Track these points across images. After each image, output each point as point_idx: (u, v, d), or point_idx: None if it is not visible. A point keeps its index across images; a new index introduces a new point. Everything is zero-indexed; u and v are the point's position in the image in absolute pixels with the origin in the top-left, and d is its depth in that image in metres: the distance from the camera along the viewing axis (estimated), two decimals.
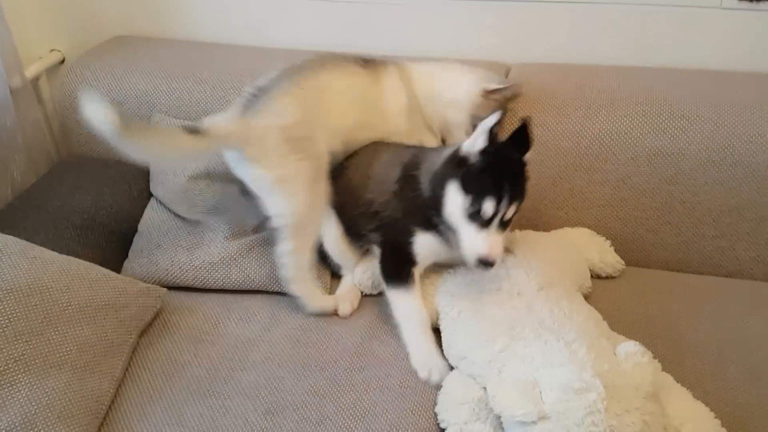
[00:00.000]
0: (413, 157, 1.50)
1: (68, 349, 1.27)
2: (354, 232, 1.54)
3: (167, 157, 1.57)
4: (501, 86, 1.56)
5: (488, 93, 1.56)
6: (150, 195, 1.74)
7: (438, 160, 1.43)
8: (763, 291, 1.57)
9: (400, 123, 1.61)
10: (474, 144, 1.34)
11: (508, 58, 1.89)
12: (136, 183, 1.78)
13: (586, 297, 1.52)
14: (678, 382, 1.29)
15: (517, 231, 1.61)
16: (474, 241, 1.33)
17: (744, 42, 1.76)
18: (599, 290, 1.57)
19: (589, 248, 1.63)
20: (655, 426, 1.12)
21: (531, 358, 1.22)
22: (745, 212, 1.61)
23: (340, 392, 1.32)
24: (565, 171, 1.69)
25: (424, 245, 1.44)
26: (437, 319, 1.45)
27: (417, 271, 1.45)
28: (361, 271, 1.57)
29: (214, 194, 1.67)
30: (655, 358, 1.26)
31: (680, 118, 1.61)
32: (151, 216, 1.69)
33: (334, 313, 1.52)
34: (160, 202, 1.71)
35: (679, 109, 1.62)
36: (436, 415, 1.29)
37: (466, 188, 1.33)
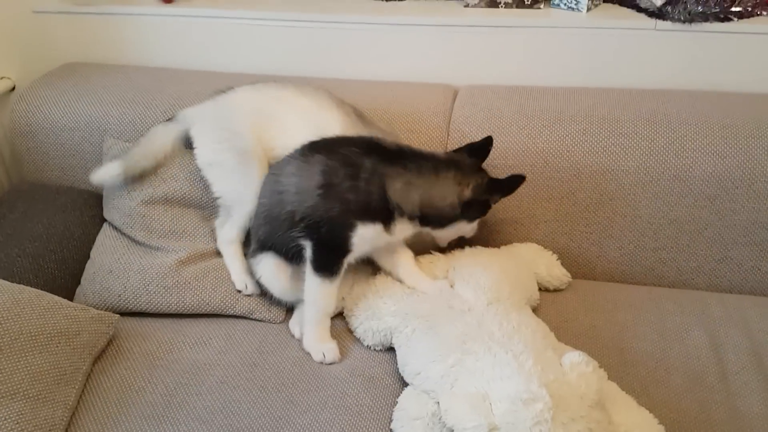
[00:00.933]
0: (327, 166, 1.48)
1: (20, 378, 1.26)
2: (280, 248, 1.54)
3: (159, 154, 1.68)
4: None
5: None
6: (103, 220, 1.73)
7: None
8: (704, 300, 1.63)
9: None
10: None
11: (456, 80, 1.94)
12: (89, 209, 1.78)
13: (535, 310, 1.56)
14: (623, 390, 1.33)
15: (467, 248, 1.65)
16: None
17: (677, 61, 1.84)
18: (547, 303, 1.61)
19: (536, 262, 1.67)
20: None
21: (481, 371, 1.25)
22: (684, 225, 1.67)
23: (297, 414, 1.33)
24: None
25: (364, 236, 1.46)
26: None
27: (347, 261, 1.49)
28: None
29: (172, 218, 1.68)
30: (601, 367, 1.30)
31: (619, 135, 1.67)
32: (104, 241, 1.68)
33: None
34: (114, 227, 1.70)
35: (619, 128, 1.68)
36: (392, 431, 1.30)
37: None
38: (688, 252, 1.69)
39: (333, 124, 1.59)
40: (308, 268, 1.48)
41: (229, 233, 1.63)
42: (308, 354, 1.48)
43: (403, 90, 1.91)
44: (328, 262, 1.47)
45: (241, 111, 1.63)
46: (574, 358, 1.24)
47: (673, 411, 1.32)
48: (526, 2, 1.92)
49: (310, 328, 1.49)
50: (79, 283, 1.64)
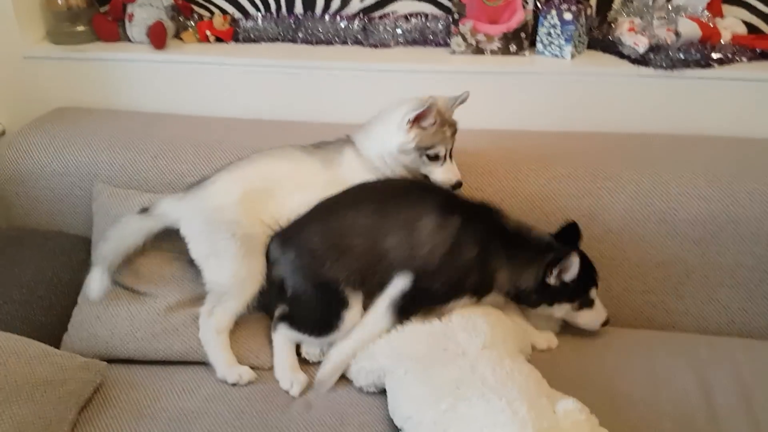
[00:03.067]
0: (460, 236, 1.52)
1: (5, 428, 1.24)
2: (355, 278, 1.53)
3: (131, 251, 1.64)
4: (421, 110, 1.56)
5: (415, 122, 1.58)
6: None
7: None
8: (693, 342, 1.63)
9: None
10: None
11: None
12: (77, 254, 1.77)
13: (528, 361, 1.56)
14: None
15: None
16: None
17: (660, 106, 1.88)
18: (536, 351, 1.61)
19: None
20: None
21: (474, 418, 1.25)
22: (671, 267, 1.69)
23: None
24: None
25: (457, 305, 1.54)
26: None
27: None
28: None
29: (160, 263, 1.67)
30: (592, 412, 1.30)
31: (605, 179, 1.70)
32: None
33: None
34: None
35: (604, 171, 1.71)
36: None
37: None
38: (676, 294, 1.70)
39: (316, 175, 1.62)
40: (384, 301, 1.50)
41: (222, 321, 1.55)
42: (304, 396, 1.49)
43: None
44: (409, 310, 1.50)
45: (229, 199, 1.59)
46: (568, 405, 1.24)
47: None
48: (511, 50, 1.96)
49: (345, 355, 1.51)
50: (65, 329, 1.63)
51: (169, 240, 1.67)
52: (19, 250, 1.74)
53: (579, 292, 1.57)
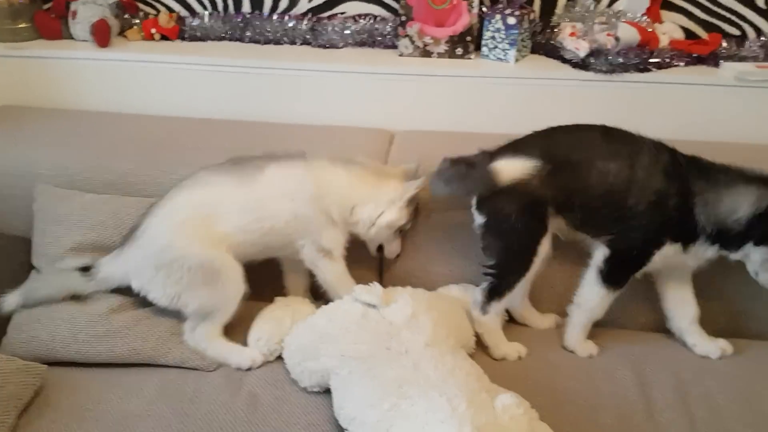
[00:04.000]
0: (670, 174, 1.52)
1: None
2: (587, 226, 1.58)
3: (64, 296, 1.60)
4: (420, 186, 1.63)
5: (411, 199, 1.63)
6: (32, 267, 1.69)
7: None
8: (631, 339, 1.68)
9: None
10: None
11: (392, 125, 1.99)
12: (17, 255, 1.74)
13: (471, 355, 1.58)
14: (555, 429, 1.34)
15: (409, 288, 1.67)
16: None
17: (600, 110, 1.87)
18: (481, 345, 1.64)
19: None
20: None
21: (416, 416, 1.25)
22: None
23: None
24: (449, 229, 1.77)
25: (666, 254, 1.53)
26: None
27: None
28: (255, 339, 1.59)
29: None
30: (533, 407, 1.33)
31: None
32: None
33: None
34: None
35: None
36: None
37: None
38: None
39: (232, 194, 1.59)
40: (594, 276, 1.56)
41: (213, 331, 1.56)
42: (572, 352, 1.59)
43: (341, 134, 1.94)
44: (621, 276, 1.54)
45: (166, 239, 1.55)
46: (506, 400, 1.26)
47: None
48: (457, 53, 2.00)
49: (578, 331, 1.61)
50: (4, 332, 1.59)
51: (110, 243, 1.65)
52: None
53: None
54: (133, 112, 2.05)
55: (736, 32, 2.01)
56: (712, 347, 1.62)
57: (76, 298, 1.60)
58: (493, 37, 1.96)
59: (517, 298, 1.68)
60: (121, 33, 2.14)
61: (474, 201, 1.64)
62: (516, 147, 1.61)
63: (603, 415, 1.45)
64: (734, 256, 1.53)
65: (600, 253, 1.58)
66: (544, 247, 1.59)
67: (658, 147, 1.56)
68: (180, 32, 2.12)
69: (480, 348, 1.63)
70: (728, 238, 1.49)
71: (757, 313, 1.72)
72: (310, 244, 1.61)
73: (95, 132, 1.89)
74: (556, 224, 1.61)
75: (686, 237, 1.52)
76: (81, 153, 1.81)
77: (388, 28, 2.06)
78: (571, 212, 1.58)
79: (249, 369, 1.54)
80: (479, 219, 1.62)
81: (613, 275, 1.57)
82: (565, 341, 1.64)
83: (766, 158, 1.78)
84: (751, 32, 2.00)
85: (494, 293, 1.62)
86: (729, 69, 1.90)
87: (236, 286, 1.56)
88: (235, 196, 1.58)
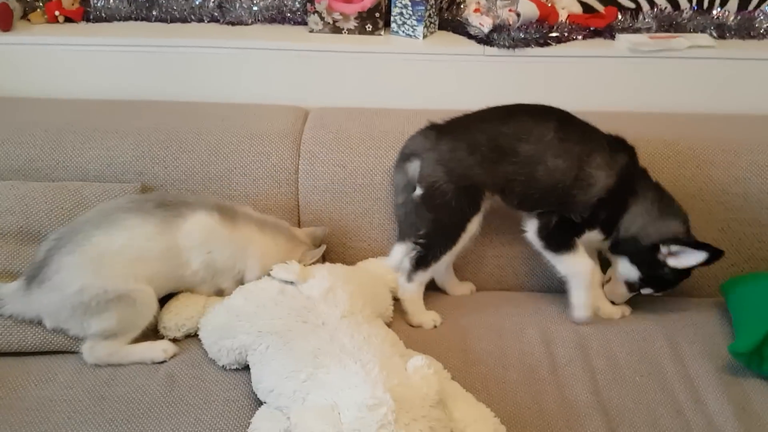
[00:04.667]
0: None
1: None
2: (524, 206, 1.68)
3: None
4: (317, 256, 1.68)
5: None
6: None
7: None
8: (538, 300, 1.77)
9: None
10: None
11: (306, 102, 2.01)
12: None
13: (389, 324, 1.63)
14: (466, 388, 1.42)
15: (327, 263, 1.70)
16: None
17: (505, 84, 2.01)
18: (399, 313, 1.69)
19: (388, 276, 1.75)
20: (440, 430, 1.23)
21: (331, 383, 1.29)
22: (517, 233, 1.77)
23: None
24: (364, 205, 1.81)
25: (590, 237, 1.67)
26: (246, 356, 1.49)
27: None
28: (174, 325, 1.59)
29: (7, 256, 1.61)
30: (446, 368, 1.40)
31: None
32: None
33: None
34: None
35: None
36: None
37: None
38: (522, 258, 1.82)
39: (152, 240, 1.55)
40: (538, 246, 1.67)
41: (118, 345, 1.52)
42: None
43: (254, 112, 1.94)
44: (561, 239, 1.65)
45: (85, 280, 1.48)
46: (417, 362, 1.31)
47: (510, 404, 1.43)
48: (367, 29, 2.02)
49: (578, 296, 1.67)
50: None
51: (16, 229, 1.62)
52: None
53: (672, 282, 1.64)
54: (37, 96, 1.99)
55: (632, 5, 2.09)
56: (615, 310, 1.72)
57: None
58: (401, 14, 1.99)
59: (441, 270, 1.74)
60: (24, 16, 2.07)
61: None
62: (464, 126, 1.67)
63: (510, 372, 1.53)
64: (613, 253, 1.69)
65: (533, 224, 1.67)
66: (474, 225, 1.66)
67: (615, 146, 1.64)
68: (85, 13, 2.06)
69: (399, 314, 1.69)
70: (624, 244, 1.64)
71: None
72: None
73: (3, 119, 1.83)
74: (490, 203, 1.68)
75: (609, 230, 1.65)
76: None
77: (297, 4, 2.06)
78: (509, 195, 1.66)
79: (164, 361, 1.53)
80: (418, 190, 1.67)
81: (552, 240, 1.66)
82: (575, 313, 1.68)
83: (658, 125, 1.91)
84: (645, 4, 2.09)
85: (420, 263, 1.68)
86: (624, 41, 1.99)
87: (151, 312, 1.55)
88: (156, 242, 1.54)
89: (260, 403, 1.41)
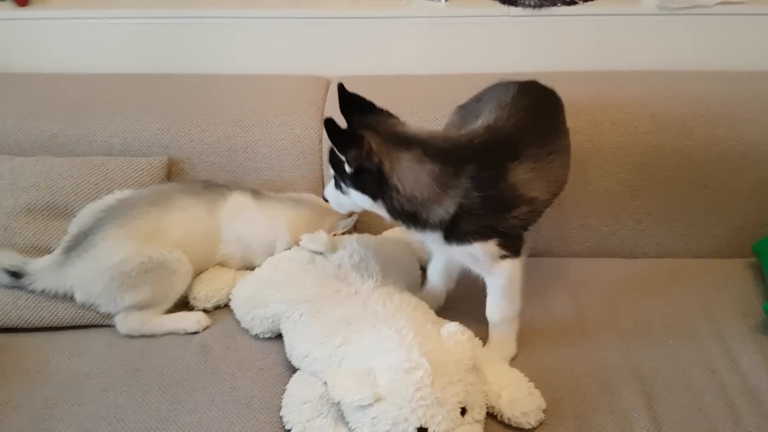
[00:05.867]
0: None
1: None
2: None
3: None
4: (347, 226, 1.70)
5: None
6: None
7: None
8: (565, 265, 1.75)
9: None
10: None
11: (328, 71, 1.98)
12: None
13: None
14: None
15: (355, 234, 1.70)
16: None
17: (530, 45, 1.97)
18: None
19: (415, 246, 1.74)
20: (475, 395, 1.25)
21: (366, 348, 1.30)
22: None
23: (184, 413, 1.33)
24: None
25: None
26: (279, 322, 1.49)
27: None
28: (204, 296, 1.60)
29: (35, 231, 1.62)
30: (476, 336, 1.39)
31: None
32: None
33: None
34: None
35: None
36: (281, 418, 1.32)
37: None
38: (550, 222, 1.77)
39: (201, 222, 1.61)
40: None
41: (150, 315, 1.53)
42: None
43: (276, 82, 1.93)
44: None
45: (129, 251, 1.51)
46: (451, 328, 1.31)
47: (538, 368, 1.41)
48: None
49: None
50: None
51: (43, 205, 1.63)
52: None
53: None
54: (55, 72, 1.99)
55: None
56: None
57: None
58: None
59: None
60: None
61: None
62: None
63: (538, 337, 1.52)
64: None
65: None
66: None
67: None
68: None
69: None
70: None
71: None
72: None
73: (20, 93, 1.83)
74: None
75: None
76: (5, 116, 1.75)
77: None
78: None
79: (196, 332, 1.53)
80: None
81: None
82: None
83: (685, 84, 1.87)
84: None
85: None
86: None
87: (185, 284, 1.57)
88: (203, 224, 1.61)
89: (294, 370, 1.42)
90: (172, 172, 1.75)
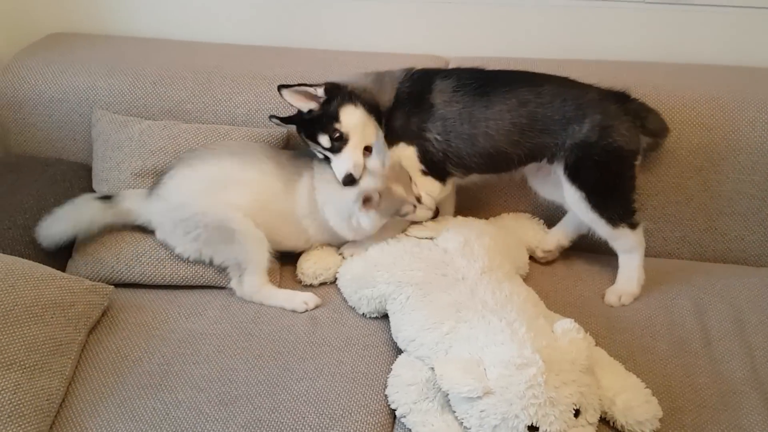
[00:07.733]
0: None
1: (16, 348, 1.27)
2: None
3: (85, 228, 1.59)
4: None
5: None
6: (93, 192, 1.72)
7: None
8: (689, 269, 1.67)
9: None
10: None
11: (446, 52, 1.95)
12: (78, 181, 1.77)
13: (525, 279, 1.59)
14: (611, 356, 1.36)
15: (459, 217, 1.67)
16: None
17: (652, 35, 1.89)
18: (537, 273, 1.65)
19: (526, 231, 1.70)
20: (590, 397, 1.20)
21: (475, 338, 1.28)
22: (671, 195, 1.70)
23: (293, 381, 1.35)
24: None
25: None
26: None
27: None
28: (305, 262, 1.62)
29: None
30: (588, 334, 1.34)
31: None
32: None
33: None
34: None
35: None
36: (386, 397, 1.33)
37: None
38: (674, 222, 1.72)
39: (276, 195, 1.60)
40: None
41: (254, 282, 1.55)
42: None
43: (395, 62, 1.89)
44: None
45: (189, 196, 1.56)
46: (566, 325, 1.27)
47: (658, 376, 1.36)
48: None
49: None
50: (70, 255, 1.64)
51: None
52: (20, 176, 1.73)
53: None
54: (183, 39, 2.05)
55: None
56: None
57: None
58: None
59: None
60: None
61: None
62: None
63: (659, 343, 1.45)
64: None
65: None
66: None
67: None
68: None
69: (536, 274, 1.64)
70: None
71: None
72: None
73: (147, 59, 1.89)
74: None
75: None
76: (137, 80, 1.82)
77: None
78: None
79: (304, 311, 1.54)
80: None
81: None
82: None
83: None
84: None
85: None
86: None
87: (255, 241, 1.55)
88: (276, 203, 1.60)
89: (398, 351, 1.42)
90: (290, 146, 1.76)
